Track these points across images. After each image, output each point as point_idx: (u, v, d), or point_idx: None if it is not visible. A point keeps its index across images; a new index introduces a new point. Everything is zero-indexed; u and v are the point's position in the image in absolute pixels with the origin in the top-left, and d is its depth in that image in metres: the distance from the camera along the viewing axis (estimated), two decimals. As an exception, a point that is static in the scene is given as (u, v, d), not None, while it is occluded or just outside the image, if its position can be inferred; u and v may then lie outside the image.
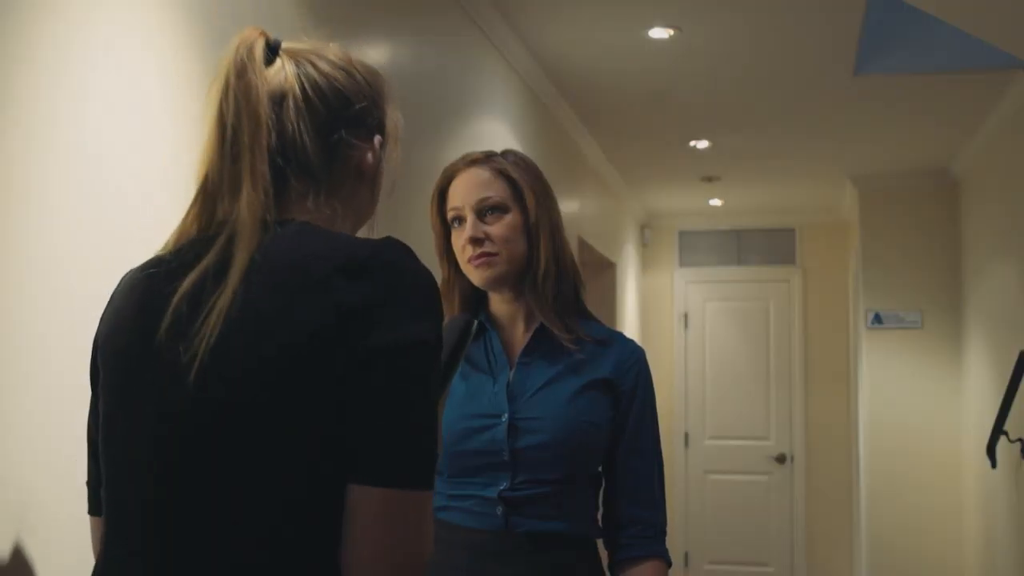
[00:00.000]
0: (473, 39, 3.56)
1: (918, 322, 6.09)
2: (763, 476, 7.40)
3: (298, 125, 1.10)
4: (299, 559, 0.98)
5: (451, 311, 1.80)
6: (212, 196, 1.08)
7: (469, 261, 1.73)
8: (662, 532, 1.74)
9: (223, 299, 0.99)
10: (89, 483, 1.18)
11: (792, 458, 7.37)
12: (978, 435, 5.20)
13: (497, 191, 1.73)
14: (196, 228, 1.10)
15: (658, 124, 5.22)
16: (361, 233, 1.22)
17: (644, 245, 7.73)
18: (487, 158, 1.77)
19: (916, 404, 6.03)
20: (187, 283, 1.02)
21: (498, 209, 1.72)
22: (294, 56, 1.13)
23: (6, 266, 1.35)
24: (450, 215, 1.76)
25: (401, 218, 2.82)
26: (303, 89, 1.11)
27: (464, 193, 1.74)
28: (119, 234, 1.59)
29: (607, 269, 6.29)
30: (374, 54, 2.73)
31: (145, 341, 1.04)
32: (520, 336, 1.77)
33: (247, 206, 1.03)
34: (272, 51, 1.13)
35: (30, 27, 1.39)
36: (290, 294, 0.99)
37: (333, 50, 1.17)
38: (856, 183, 6.33)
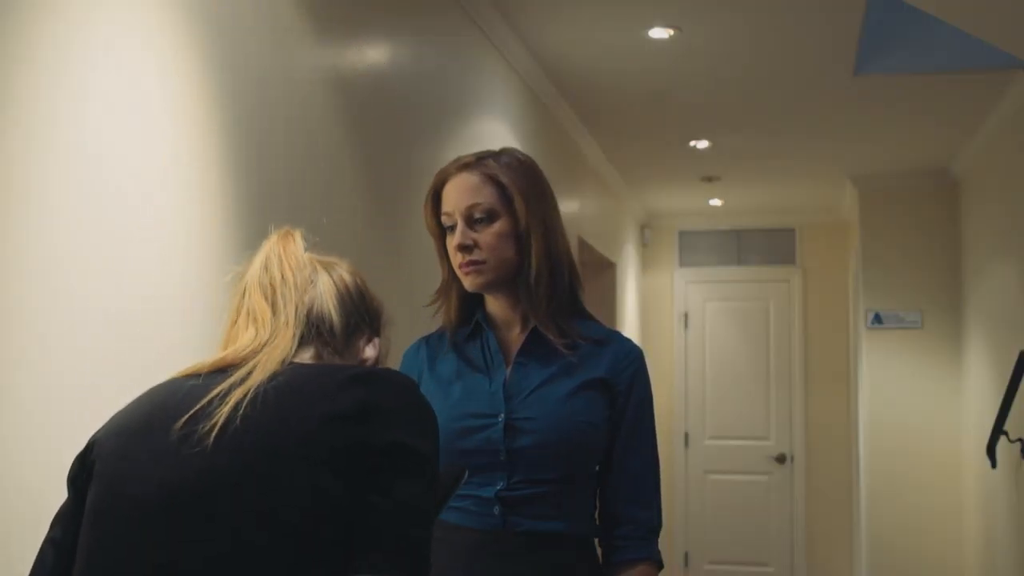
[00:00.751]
0: (473, 39, 3.56)
1: (918, 322, 6.09)
2: (763, 476, 7.40)
3: (328, 301, 1.27)
4: None
5: (449, 309, 1.81)
6: (240, 346, 1.21)
7: (459, 267, 1.73)
8: (655, 532, 1.74)
9: (241, 391, 1.12)
10: None
11: (792, 458, 7.37)
12: (978, 435, 5.20)
13: (486, 198, 1.72)
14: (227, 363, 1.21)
15: (658, 124, 5.22)
16: None
17: (644, 245, 7.73)
18: (478, 161, 1.76)
19: (916, 404, 6.03)
20: (218, 388, 1.14)
21: (486, 216, 1.72)
22: (319, 260, 1.31)
23: (6, 265, 1.35)
24: (443, 219, 1.76)
25: (401, 217, 2.82)
26: (330, 277, 1.29)
27: (455, 199, 1.74)
28: (119, 234, 1.59)
29: (607, 269, 6.29)
30: (374, 54, 2.73)
31: (169, 422, 1.12)
32: (517, 336, 1.77)
33: (279, 345, 1.20)
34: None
35: (30, 27, 1.39)
36: (303, 396, 1.12)
37: (346, 264, 1.34)
38: (856, 183, 6.33)
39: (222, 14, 1.93)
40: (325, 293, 1.28)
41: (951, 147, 5.55)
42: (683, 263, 7.75)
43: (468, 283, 1.74)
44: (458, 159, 1.78)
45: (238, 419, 1.09)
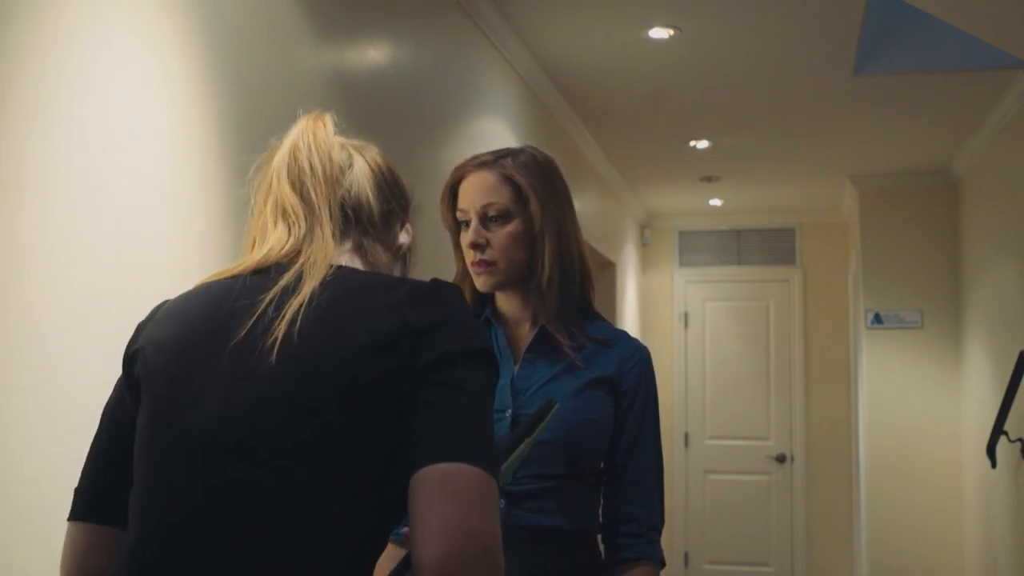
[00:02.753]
0: (473, 39, 3.56)
1: (918, 322, 6.09)
2: (763, 476, 7.40)
3: (365, 186, 1.22)
4: (351, 557, 1.03)
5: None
6: (276, 244, 1.16)
7: (472, 265, 1.76)
8: (656, 531, 1.75)
9: (297, 302, 1.07)
10: (82, 490, 1.17)
11: (792, 458, 7.37)
12: (978, 435, 5.20)
13: (500, 198, 1.74)
14: (266, 264, 1.16)
15: (658, 124, 5.22)
16: None
17: (644, 245, 7.73)
18: (496, 160, 1.77)
19: (916, 404, 6.03)
20: (269, 295, 1.09)
21: (501, 216, 1.74)
22: (351, 144, 1.26)
23: (6, 264, 1.35)
24: (458, 215, 1.79)
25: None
26: (365, 160, 1.24)
27: (470, 197, 1.76)
28: (119, 233, 1.59)
29: (607, 269, 6.29)
30: (374, 54, 2.74)
31: (221, 338, 1.09)
32: (526, 333, 1.79)
33: (321, 243, 1.14)
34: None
35: (30, 27, 1.39)
36: (360, 309, 1.08)
37: (376, 149, 1.29)
38: (856, 183, 6.33)
39: (222, 14, 1.93)
40: (362, 178, 1.23)
41: (951, 147, 5.55)
42: (683, 263, 7.75)
43: (480, 283, 1.76)
44: (476, 156, 1.80)
45: (295, 335, 1.05)
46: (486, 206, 1.74)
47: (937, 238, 6.08)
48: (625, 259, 6.83)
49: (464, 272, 1.82)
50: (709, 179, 6.40)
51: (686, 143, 5.52)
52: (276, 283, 1.10)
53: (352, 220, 1.21)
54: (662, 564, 1.75)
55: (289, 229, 1.16)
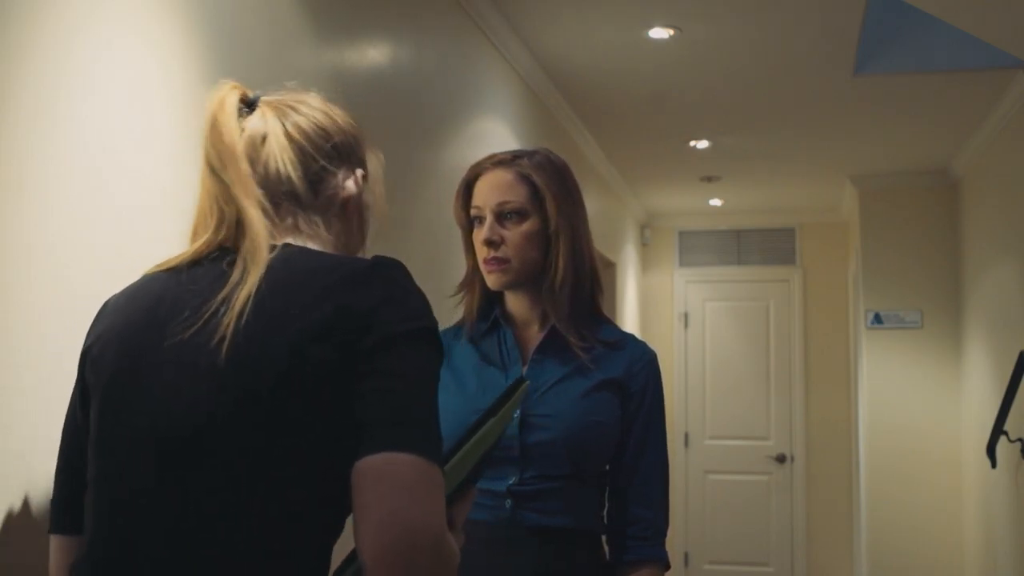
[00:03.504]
0: (473, 39, 3.56)
1: (918, 322, 6.09)
2: (763, 476, 7.40)
3: (281, 158, 1.19)
4: (306, 544, 1.02)
5: (472, 302, 1.84)
6: (221, 219, 1.15)
7: (484, 263, 1.76)
8: (662, 533, 1.76)
9: (241, 297, 1.06)
10: (55, 501, 1.18)
11: (792, 458, 7.37)
12: (978, 435, 5.20)
13: (517, 196, 1.75)
14: (207, 248, 1.16)
15: (658, 124, 5.22)
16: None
17: (644, 245, 7.73)
18: (513, 159, 1.78)
19: (916, 404, 6.03)
20: (215, 289, 1.09)
21: (517, 214, 1.75)
22: (273, 106, 1.23)
23: (6, 265, 1.35)
24: (472, 212, 1.79)
25: (401, 217, 2.82)
26: (283, 128, 1.20)
27: (486, 194, 1.76)
28: (119, 233, 1.59)
29: (607, 269, 6.29)
30: (374, 54, 2.73)
31: (164, 332, 1.09)
32: (534, 333, 1.80)
33: (254, 226, 1.12)
34: (250, 105, 1.23)
35: (30, 27, 1.39)
36: (297, 297, 1.06)
37: (314, 97, 1.26)
38: (856, 183, 6.33)
39: (222, 14, 1.93)
40: (278, 151, 1.19)
41: (951, 147, 5.55)
42: (683, 263, 7.75)
43: (491, 281, 1.76)
44: (493, 155, 1.81)
45: (240, 329, 1.04)
46: (502, 203, 1.75)
47: (937, 238, 6.08)
48: (625, 259, 6.83)
49: (474, 270, 1.82)
50: (709, 179, 6.40)
51: (686, 143, 5.52)
52: (217, 274, 1.10)
53: (281, 198, 1.19)
54: (667, 566, 1.76)
55: (221, 217, 1.15)
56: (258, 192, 1.16)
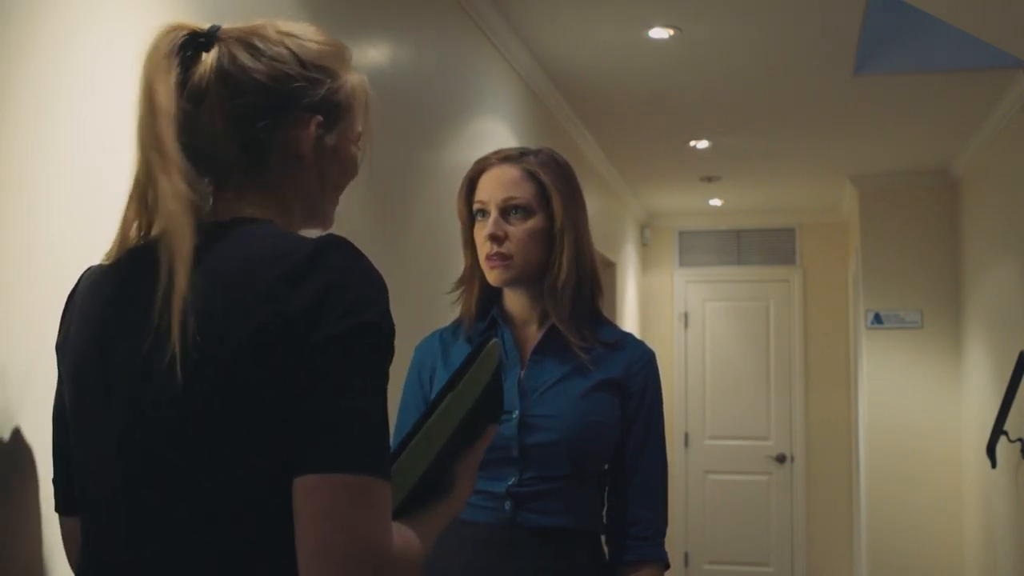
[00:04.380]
0: (473, 39, 3.56)
1: (918, 322, 6.09)
2: (763, 476, 7.40)
3: (214, 119, 1.07)
4: (260, 555, 0.99)
5: (470, 300, 1.82)
6: (142, 196, 1.06)
7: (487, 258, 1.75)
8: (661, 533, 1.76)
9: (177, 307, 0.98)
10: (55, 480, 1.18)
11: (792, 458, 7.37)
12: (978, 435, 5.20)
13: (524, 193, 1.74)
14: (136, 231, 1.08)
15: (658, 124, 5.22)
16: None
17: (644, 245, 7.73)
18: (520, 156, 1.77)
19: (916, 404, 6.03)
20: (144, 290, 1.02)
21: (522, 211, 1.74)
22: (227, 41, 1.10)
23: (6, 265, 1.35)
24: (476, 207, 1.78)
25: (401, 217, 2.82)
26: (220, 81, 1.08)
27: (492, 189, 1.75)
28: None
29: (607, 269, 6.29)
30: (374, 54, 2.73)
31: (102, 347, 1.05)
32: (533, 333, 1.79)
33: (171, 199, 1.01)
34: (202, 43, 1.10)
35: (30, 27, 1.39)
36: (234, 299, 0.99)
37: (274, 27, 1.13)
38: (856, 183, 6.33)
39: (223, 14, 1.92)
40: (214, 112, 1.06)
41: (951, 147, 5.55)
42: (683, 263, 7.75)
43: (493, 277, 1.75)
44: (499, 151, 1.81)
45: (189, 346, 0.97)
46: (508, 199, 1.74)
47: (937, 238, 6.08)
48: (625, 259, 6.82)
49: (473, 267, 1.81)
50: (709, 179, 6.40)
51: (686, 143, 5.52)
52: (150, 267, 1.01)
53: (224, 164, 1.08)
54: (667, 566, 1.76)
55: (142, 200, 1.05)
56: (177, 158, 1.03)
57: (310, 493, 0.94)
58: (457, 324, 1.85)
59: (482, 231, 1.75)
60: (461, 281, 1.84)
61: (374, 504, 0.94)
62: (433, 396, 1.12)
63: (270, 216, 1.10)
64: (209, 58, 1.09)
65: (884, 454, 6.06)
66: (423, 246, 2.89)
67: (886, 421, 6.06)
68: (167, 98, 1.05)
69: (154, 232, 1.05)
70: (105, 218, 1.55)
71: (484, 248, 1.74)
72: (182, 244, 1.00)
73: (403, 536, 1.00)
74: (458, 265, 1.91)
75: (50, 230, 1.43)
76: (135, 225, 1.08)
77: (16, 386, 1.37)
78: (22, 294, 1.38)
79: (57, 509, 1.19)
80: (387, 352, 1.01)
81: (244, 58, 1.09)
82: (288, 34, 1.13)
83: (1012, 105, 4.45)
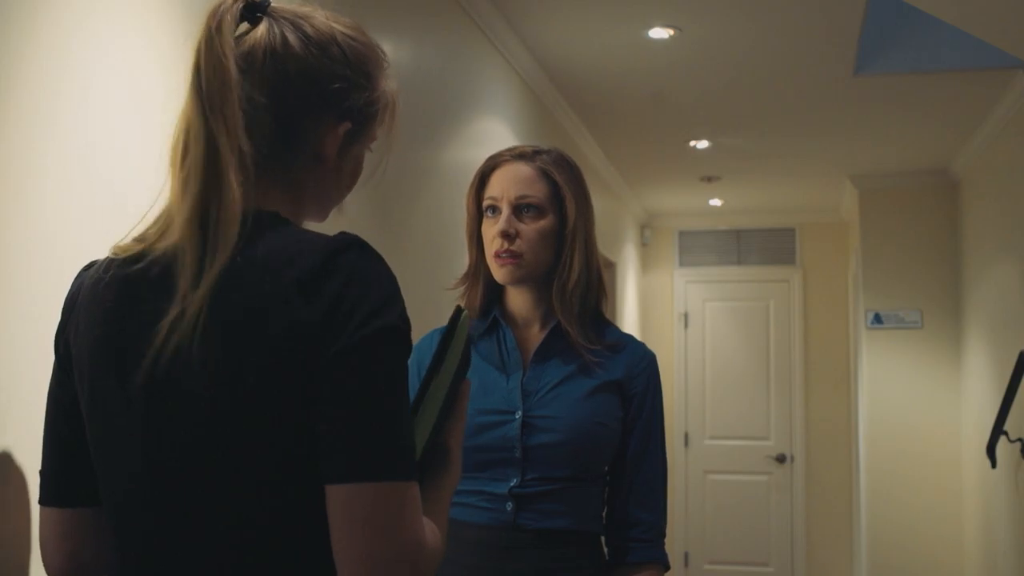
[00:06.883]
0: (473, 39, 3.56)
1: (918, 322, 6.09)
2: (763, 476, 7.40)
3: (257, 92, 1.05)
4: (291, 562, 1.00)
5: (475, 295, 1.81)
6: (193, 179, 1.03)
7: (495, 255, 1.73)
8: (661, 535, 1.76)
9: (188, 324, 0.98)
10: (44, 472, 1.15)
11: (792, 458, 7.37)
12: (978, 435, 5.20)
13: (537, 192, 1.73)
14: (188, 210, 1.03)
15: (658, 124, 5.23)
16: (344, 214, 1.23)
17: (644, 245, 7.73)
18: (535, 154, 1.76)
19: (916, 404, 6.03)
20: (155, 299, 1.01)
21: (535, 210, 1.73)
22: (278, 20, 1.08)
23: (6, 265, 1.35)
24: (486, 203, 1.76)
25: (400, 217, 2.82)
26: (271, 56, 1.06)
27: (505, 185, 1.74)
28: (118, 234, 1.59)
29: (607, 269, 6.30)
30: (374, 54, 2.73)
31: (127, 370, 1.03)
32: (535, 334, 1.79)
33: (230, 193, 1.00)
34: (258, 10, 1.08)
35: (30, 27, 1.39)
36: (250, 308, 0.98)
37: (319, 18, 1.10)
38: (856, 183, 6.33)
39: (222, 14, 1.92)
40: (258, 85, 1.04)
41: (951, 147, 5.55)
42: (683, 263, 7.75)
43: (501, 274, 1.74)
44: (513, 148, 1.79)
45: (209, 352, 0.97)
46: (521, 197, 1.72)
47: (937, 238, 6.08)
48: (625, 259, 6.83)
49: (478, 263, 1.80)
50: (709, 179, 6.40)
51: (686, 143, 5.52)
52: (163, 278, 1.00)
53: (263, 149, 1.05)
54: (667, 567, 1.76)
55: (207, 169, 1.01)
56: (245, 147, 1.00)
57: (349, 502, 0.95)
58: None
59: (491, 227, 1.73)
60: (465, 277, 1.83)
61: (409, 505, 0.96)
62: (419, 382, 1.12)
63: (286, 210, 1.09)
64: (261, 30, 1.07)
65: (884, 454, 6.06)
66: (423, 246, 2.89)
67: (886, 421, 6.07)
68: (234, 65, 1.02)
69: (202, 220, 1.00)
70: (105, 218, 1.56)
71: (493, 245, 1.73)
72: (230, 233, 0.98)
73: (429, 528, 1.01)
74: (458, 264, 1.90)
75: (50, 230, 1.43)
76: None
77: (17, 388, 1.37)
78: (22, 294, 1.38)
79: (42, 501, 1.15)
80: (406, 350, 1.01)
81: (295, 42, 1.07)
82: (338, 29, 1.12)
83: (1012, 105, 4.45)
